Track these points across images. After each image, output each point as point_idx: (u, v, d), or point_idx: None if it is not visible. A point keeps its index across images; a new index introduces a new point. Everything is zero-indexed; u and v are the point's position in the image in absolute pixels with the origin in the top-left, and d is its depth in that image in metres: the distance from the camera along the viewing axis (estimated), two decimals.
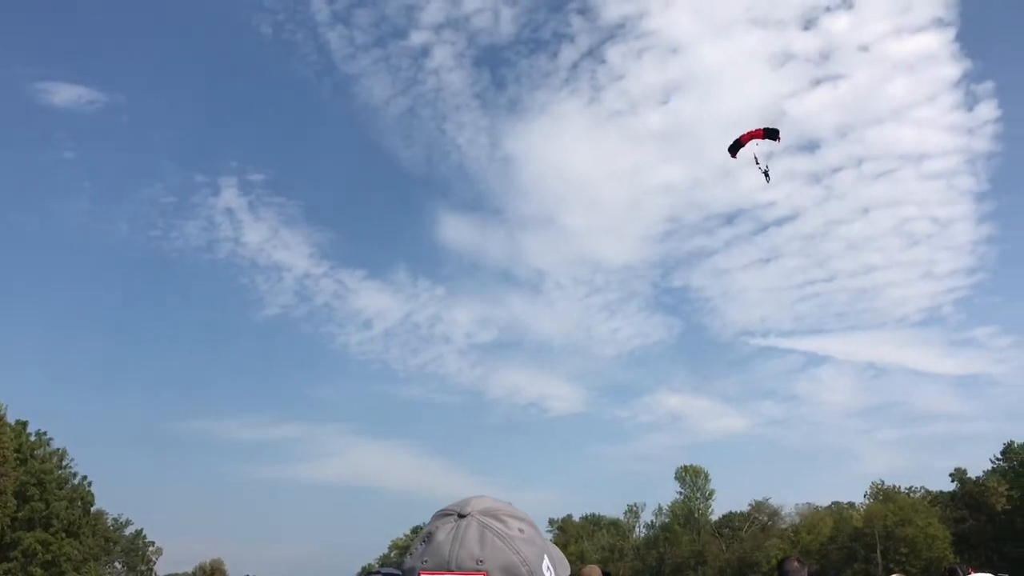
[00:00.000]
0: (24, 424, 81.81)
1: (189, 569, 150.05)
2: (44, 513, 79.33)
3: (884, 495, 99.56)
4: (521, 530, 1.50)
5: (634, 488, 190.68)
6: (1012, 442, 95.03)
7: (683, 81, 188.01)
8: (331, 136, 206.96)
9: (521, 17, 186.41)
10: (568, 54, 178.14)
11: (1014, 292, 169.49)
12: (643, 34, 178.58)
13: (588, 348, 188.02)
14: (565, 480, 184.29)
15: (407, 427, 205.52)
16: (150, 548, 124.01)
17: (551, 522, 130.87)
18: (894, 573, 42.74)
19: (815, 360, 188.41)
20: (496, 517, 1.48)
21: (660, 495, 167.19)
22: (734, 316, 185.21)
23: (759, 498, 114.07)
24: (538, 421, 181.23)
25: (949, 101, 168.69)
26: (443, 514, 1.52)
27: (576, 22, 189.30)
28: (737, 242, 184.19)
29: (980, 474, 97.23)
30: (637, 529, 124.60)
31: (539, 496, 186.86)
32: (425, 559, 1.45)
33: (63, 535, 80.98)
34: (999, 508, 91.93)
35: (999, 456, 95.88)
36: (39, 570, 77.52)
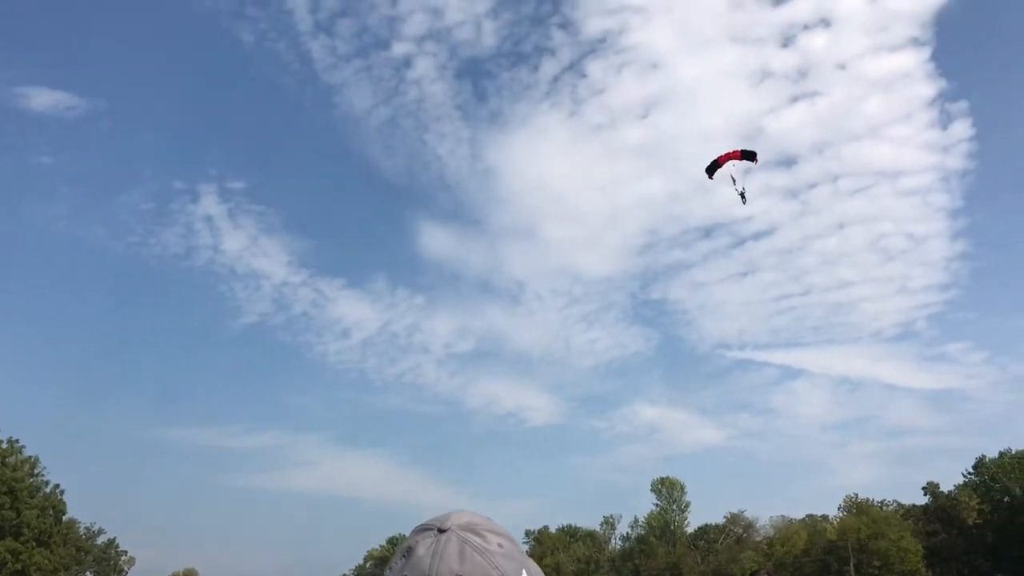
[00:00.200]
0: None
1: None
2: (14, 522, 78.39)
3: (858, 508, 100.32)
4: (500, 545, 1.50)
5: (611, 499, 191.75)
6: (984, 457, 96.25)
7: (663, 96, 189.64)
8: (312, 145, 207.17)
9: (503, 30, 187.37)
10: (549, 68, 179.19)
11: (987, 308, 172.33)
12: (624, 49, 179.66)
13: (566, 359, 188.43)
14: (542, 491, 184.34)
15: (384, 437, 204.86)
16: (122, 558, 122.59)
17: (527, 533, 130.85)
18: None
19: (791, 373, 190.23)
20: (476, 532, 1.49)
21: (637, 506, 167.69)
22: (711, 329, 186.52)
23: (735, 510, 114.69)
24: (516, 431, 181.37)
25: (924, 119, 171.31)
26: (423, 528, 1.53)
27: (558, 36, 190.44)
28: (714, 256, 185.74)
29: (952, 488, 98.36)
30: (613, 541, 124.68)
31: (516, 507, 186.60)
32: (405, 573, 1.46)
33: (33, 544, 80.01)
34: (970, 522, 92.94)
35: (971, 471, 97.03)
36: None
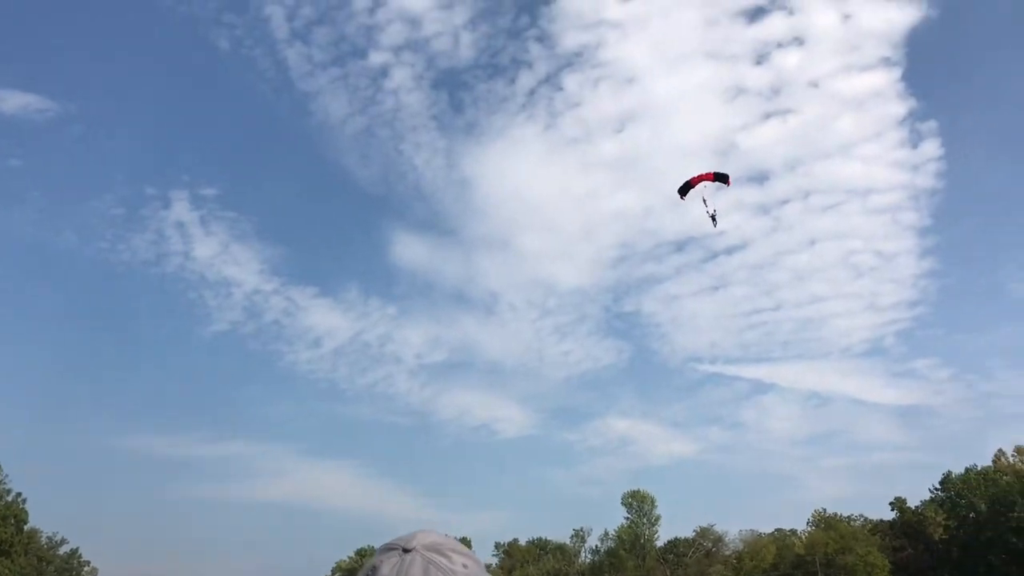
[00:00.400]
0: None
1: None
2: None
3: (826, 523, 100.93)
4: (465, 566, 1.50)
5: (582, 512, 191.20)
6: (950, 473, 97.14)
7: (638, 111, 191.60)
8: (286, 152, 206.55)
9: (480, 42, 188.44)
10: (526, 80, 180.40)
11: (954, 325, 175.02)
12: (600, 63, 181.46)
13: (539, 371, 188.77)
14: (513, 503, 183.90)
15: (354, 447, 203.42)
16: (86, 568, 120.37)
17: (497, 546, 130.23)
18: None
19: (761, 388, 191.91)
20: (441, 552, 1.49)
21: (608, 519, 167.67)
22: (683, 342, 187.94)
23: (704, 524, 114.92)
24: (487, 443, 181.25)
25: (895, 138, 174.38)
26: (387, 548, 1.53)
27: (535, 49, 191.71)
28: (687, 269, 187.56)
29: (919, 504, 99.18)
30: (583, 554, 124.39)
31: (486, 519, 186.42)
32: None
33: None
34: (936, 537, 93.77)
35: (937, 486, 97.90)
36: None
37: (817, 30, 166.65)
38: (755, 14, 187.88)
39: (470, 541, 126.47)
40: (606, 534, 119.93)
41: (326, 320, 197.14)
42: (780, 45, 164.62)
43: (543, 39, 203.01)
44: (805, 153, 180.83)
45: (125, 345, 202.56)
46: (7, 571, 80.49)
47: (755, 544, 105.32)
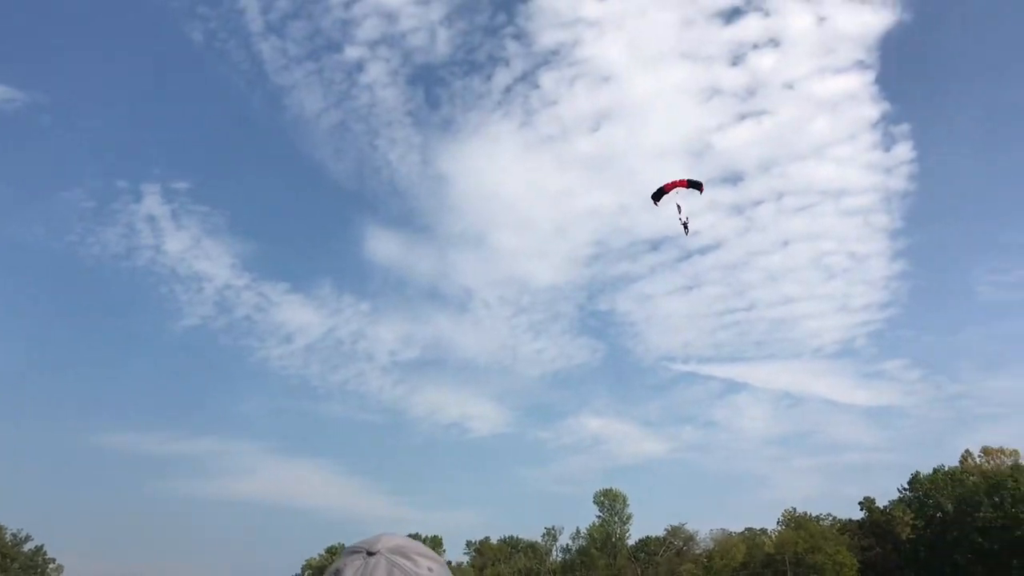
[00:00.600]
0: None
1: None
2: None
3: (796, 522, 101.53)
4: (431, 569, 1.48)
5: (554, 511, 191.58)
6: (918, 473, 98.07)
7: (614, 109, 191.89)
8: (260, 146, 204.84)
9: (457, 38, 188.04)
10: (502, 77, 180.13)
11: (924, 327, 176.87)
12: (576, 62, 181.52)
13: (512, 368, 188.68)
14: (485, 502, 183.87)
15: (325, 445, 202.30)
16: (51, 565, 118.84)
17: (469, 544, 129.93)
18: None
19: (733, 387, 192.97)
20: (405, 555, 1.47)
21: (580, 518, 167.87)
22: (656, 341, 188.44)
23: (676, 523, 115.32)
24: (460, 441, 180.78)
25: (868, 141, 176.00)
26: (352, 551, 1.51)
27: (511, 47, 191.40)
28: (661, 269, 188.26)
29: (887, 504, 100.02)
30: (554, 552, 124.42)
31: (459, 517, 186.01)
32: None
33: None
34: (904, 537, 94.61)
35: (906, 486, 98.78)
36: None
37: (793, 32, 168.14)
38: (731, 15, 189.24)
39: (441, 540, 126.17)
40: (578, 532, 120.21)
41: (298, 316, 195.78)
42: (756, 46, 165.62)
43: (520, 36, 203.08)
44: (779, 154, 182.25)
45: (94, 340, 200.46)
46: None
47: (725, 543, 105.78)
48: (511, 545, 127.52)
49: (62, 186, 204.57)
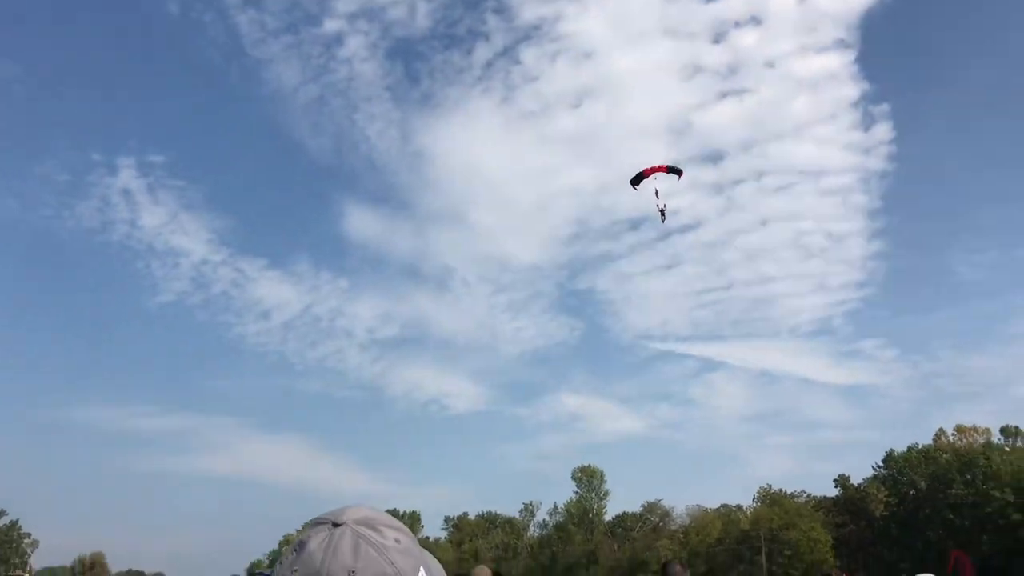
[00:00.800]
0: None
1: (68, 562, 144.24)
2: None
3: (771, 499, 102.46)
4: (397, 540, 1.44)
5: (532, 487, 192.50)
6: (892, 451, 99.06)
7: (595, 86, 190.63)
8: (237, 120, 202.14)
9: (437, 12, 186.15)
10: (483, 52, 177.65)
11: (900, 307, 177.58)
12: (558, 37, 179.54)
13: (492, 346, 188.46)
14: (463, 478, 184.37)
15: (303, 421, 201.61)
16: (25, 540, 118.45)
17: (447, 520, 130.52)
18: None
19: (710, 366, 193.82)
20: (371, 527, 1.43)
21: (557, 494, 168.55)
22: (635, 320, 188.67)
23: (652, 499, 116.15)
24: (438, 418, 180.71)
25: (848, 120, 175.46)
26: (316, 523, 1.47)
27: (492, 21, 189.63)
28: (641, 248, 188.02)
29: (861, 481, 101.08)
30: (531, 528, 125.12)
31: (438, 493, 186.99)
32: (295, 568, 1.40)
33: None
34: (878, 514, 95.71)
35: (880, 464, 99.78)
36: None
37: (774, 9, 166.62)
38: None
39: (420, 515, 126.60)
40: (555, 508, 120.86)
41: (276, 292, 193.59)
42: (738, 24, 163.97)
43: (501, 11, 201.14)
44: (760, 133, 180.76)
45: (69, 315, 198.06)
46: None
47: (701, 519, 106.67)
48: (489, 521, 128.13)
49: (36, 159, 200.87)
